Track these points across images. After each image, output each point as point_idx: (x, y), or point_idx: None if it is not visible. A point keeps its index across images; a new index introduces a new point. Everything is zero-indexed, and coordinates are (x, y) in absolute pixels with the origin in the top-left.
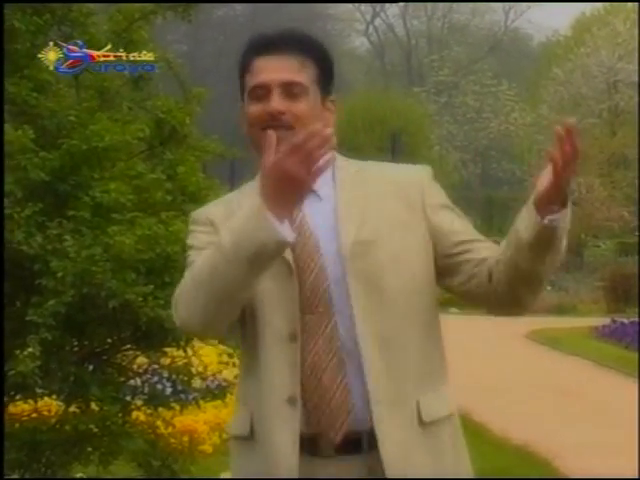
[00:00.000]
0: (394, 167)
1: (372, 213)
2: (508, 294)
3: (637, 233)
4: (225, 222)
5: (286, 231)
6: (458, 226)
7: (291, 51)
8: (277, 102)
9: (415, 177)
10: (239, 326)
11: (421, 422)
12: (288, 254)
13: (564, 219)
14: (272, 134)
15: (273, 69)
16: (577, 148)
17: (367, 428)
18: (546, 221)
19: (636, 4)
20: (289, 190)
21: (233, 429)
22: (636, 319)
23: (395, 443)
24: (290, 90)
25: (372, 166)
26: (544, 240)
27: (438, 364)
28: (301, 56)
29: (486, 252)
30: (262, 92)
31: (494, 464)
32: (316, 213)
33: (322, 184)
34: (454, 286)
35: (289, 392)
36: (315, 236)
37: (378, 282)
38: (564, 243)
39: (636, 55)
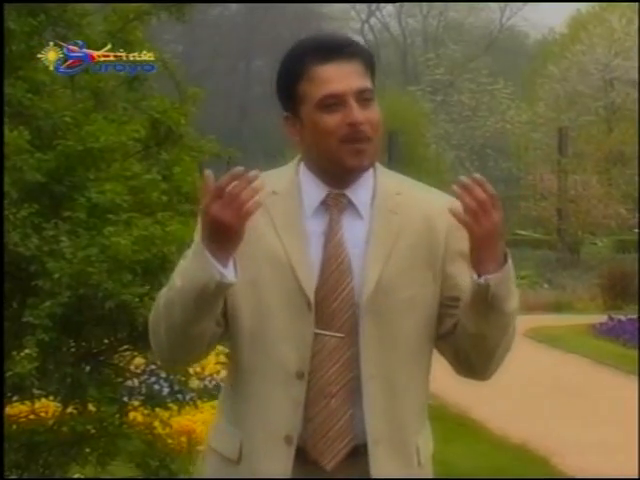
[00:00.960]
0: (428, 196)
1: (400, 251)
2: (461, 357)
3: (636, 230)
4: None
5: (227, 272)
6: (463, 282)
7: (353, 56)
8: (358, 112)
9: (447, 216)
10: (233, 346)
11: (419, 464)
12: (309, 290)
13: (502, 279)
14: (209, 175)
15: (343, 76)
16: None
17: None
18: (481, 280)
19: (631, 2)
20: (220, 234)
21: (216, 443)
22: (633, 316)
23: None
24: (363, 97)
25: (409, 189)
26: (481, 300)
27: (426, 404)
28: (362, 61)
29: None
30: (335, 102)
31: (492, 462)
32: (354, 232)
33: (364, 200)
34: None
35: (287, 431)
36: (349, 259)
37: (392, 324)
38: (511, 305)
39: (632, 52)
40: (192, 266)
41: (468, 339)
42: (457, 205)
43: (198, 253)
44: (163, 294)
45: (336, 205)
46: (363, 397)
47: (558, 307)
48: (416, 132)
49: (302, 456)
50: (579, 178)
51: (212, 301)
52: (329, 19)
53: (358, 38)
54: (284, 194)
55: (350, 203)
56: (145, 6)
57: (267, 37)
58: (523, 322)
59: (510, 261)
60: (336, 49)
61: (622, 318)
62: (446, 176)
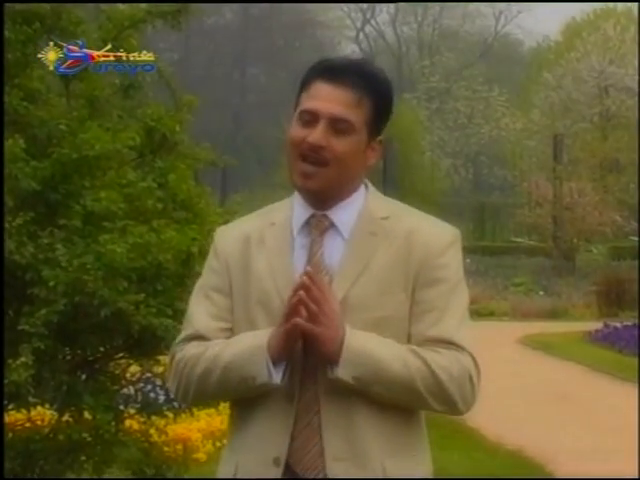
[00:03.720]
0: (418, 221)
1: (372, 272)
2: None
3: (632, 237)
4: (239, 263)
5: (276, 375)
6: (426, 313)
7: (352, 83)
8: (320, 135)
9: (428, 245)
10: None
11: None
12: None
13: (350, 368)
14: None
15: (327, 98)
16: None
17: None
18: (330, 374)
19: (626, 8)
20: (296, 340)
21: (219, 473)
22: (629, 323)
23: None
24: (337, 126)
25: (400, 213)
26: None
27: (414, 431)
28: (360, 91)
29: None
30: (309, 118)
31: (488, 469)
32: (334, 252)
33: (348, 222)
34: None
35: (276, 453)
36: (330, 277)
37: None
38: (379, 390)
39: (626, 59)
40: (245, 355)
41: None
42: (450, 234)
43: (256, 349)
44: (200, 358)
45: (317, 226)
46: (321, 413)
47: (553, 314)
48: (411, 140)
49: (289, 472)
50: (574, 185)
51: (250, 391)
52: (324, 27)
53: (353, 46)
54: (279, 224)
55: (332, 225)
56: (140, 14)
57: (262, 45)
58: (518, 329)
59: (355, 345)
60: (338, 71)
61: (617, 325)
62: (441, 184)
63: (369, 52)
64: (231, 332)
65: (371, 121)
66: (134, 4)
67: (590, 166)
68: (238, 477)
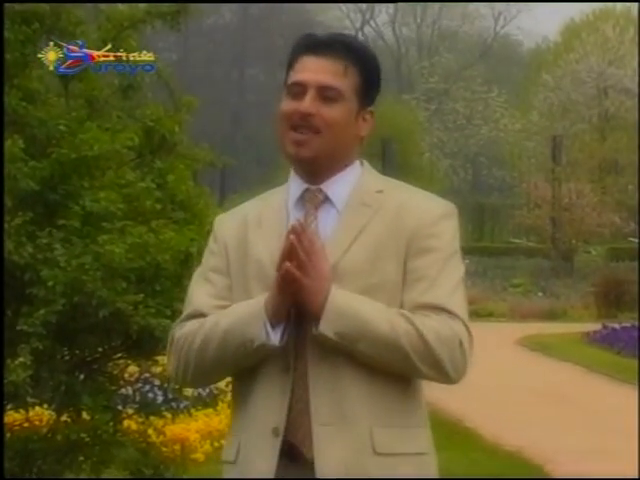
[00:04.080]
0: (411, 194)
1: (364, 242)
2: None
3: (631, 239)
4: (237, 245)
5: (274, 336)
6: (420, 281)
7: (337, 54)
8: (309, 103)
9: (420, 215)
10: None
11: (375, 452)
12: None
13: (333, 323)
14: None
15: (314, 69)
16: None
17: None
18: (314, 330)
19: (625, 9)
20: (290, 293)
21: (223, 455)
22: (628, 324)
23: (333, 460)
24: (325, 94)
25: (394, 188)
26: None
27: (409, 405)
28: (346, 61)
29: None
30: (298, 90)
31: (486, 470)
32: (328, 224)
33: (342, 198)
34: None
35: (274, 423)
36: (324, 249)
37: None
38: (363, 347)
39: (625, 60)
40: (243, 320)
41: None
42: (443, 206)
43: (254, 312)
44: (198, 330)
45: (311, 200)
46: (307, 379)
47: (552, 315)
48: (410, 140)
49: (286, 445)
50: (573, 186)
51: (248, 357)
52: (323, 27)
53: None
54: (276, 205)
55: (327, 198)
56: (139, 14)
57: (261, 46)
58: (516, 330)
59: (340, 301)
60: (322, 44)
61: (616, 326)
62: (440, 184)
63: None
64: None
65: (360, 90)
66: (133, 4)
67: (589, 167)
68: (241, 451)
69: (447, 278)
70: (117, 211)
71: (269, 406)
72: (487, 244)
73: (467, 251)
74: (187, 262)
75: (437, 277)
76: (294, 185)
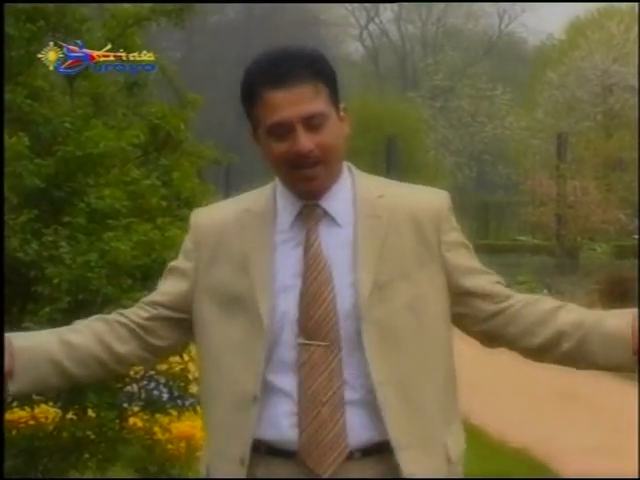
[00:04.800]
0: (412, 193)
1: (390, 252)
2: (498, 341)
3: (635, 236)
4: (213, 250)
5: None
6: (473, 272)
7: (302, 80)
8: (304, 140)
9: (431, 210)
10: (201, 369)
11: (450, 462)
12: (265, 313)
13: None
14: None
15: (291, 104)
16: None
17: (366, 446)
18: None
19: (630, 6)
20: None
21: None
22: None
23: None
24: (312, 123)
25: (392, 189)
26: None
27: (455, 397)
28: (313, 81)
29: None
30: (284, 130)
31: (492, 467)
32: (332, 240)
33: (341, 209)
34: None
35: (241, 453)
36: (329, 267)
37: (395, 328)
38: None
39: (630, 58)
40: None
41: (537, 351)
42: (446, 199)
43: None
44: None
45: (311, 216)
46: (379, 405)
47: None
48: (415, 138)
49: (300, 466)
50: (578, 184)
51: None
52: (328, 25)
53: (356, 44)
54: (259, 213)
55: (326, 213)
56: (144, 11)
57: (265, 43)
58: None
59: None
60: (283, 74)
61: None
62: (445, 182)
63: (373, 50)
64: (171, 311)
65: (331, 98)
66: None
67: (594, 164)
68: (210, 475)
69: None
70: (122, 208)
71: (235, 436)
72: (492, 241)
73: (472, 249)
74: None
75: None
76: (286, 200)
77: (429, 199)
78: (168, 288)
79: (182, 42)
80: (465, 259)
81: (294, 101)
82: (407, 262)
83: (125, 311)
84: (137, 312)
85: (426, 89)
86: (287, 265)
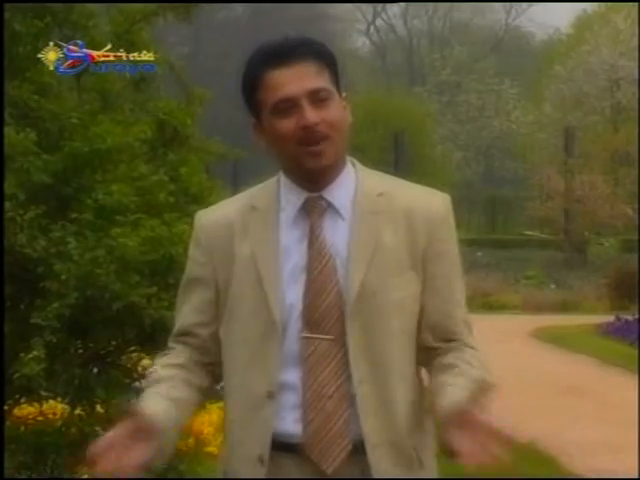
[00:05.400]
0: (412, 193)
1: (382, 253)
2: None
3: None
4: (223, 253)
5: None
6: (438, 291)
7: (305, 58)
8: (310, 114)
9: (427, 213)
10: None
11: (421, 465)
12: (276, 308)
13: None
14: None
15: (295, 79)
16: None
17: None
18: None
19: (636, 2)
20: None
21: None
22: None
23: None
24: (317, 98)
25: (393, 188)
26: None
27: (421, 399)
28: (315, 61)
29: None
30: (288, 105)
31: (499, 462)
32: (337, 234)
33: (345, 201)
34: None
35: (260, 450)
36: (333, 260)
37: (380, 327)
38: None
39: (637, 52)
40: None
41: None
42: (444, 201)
43: None
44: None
45: (315, 209)
46: (356, 401)
47: (565, 307)
48: (422, 133)
49: (303, 459)
50: (585, 178)
51: None
52: (335, 20)
53: (363, 39)
54: (263, 209)
55: (330, 205)
56: (151, 7)
57: (273, 38)
58: (530, 322)
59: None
60: (286, 53)
61: (629, 318)
62: (452, 177)
63: (380, 45)
64: (213, 325)
65: (334, 81)
66: None
67: (601, 159)
68: (228, 475)
69: (459, 280)
70: (130, 204)
71: (252, 433)
72: (500, 236)
73: (480, 243)
74: None
75: (454, 281)
76: (290, 195)
77: (428, 201)
78: (197, 304)
79: (189, 37)
80: (438, 278)
81: (298, 77)
82: (399, 263)
83: (178, 347)
84: (189, 341)
85: (433, 84)
86: (292, 259)
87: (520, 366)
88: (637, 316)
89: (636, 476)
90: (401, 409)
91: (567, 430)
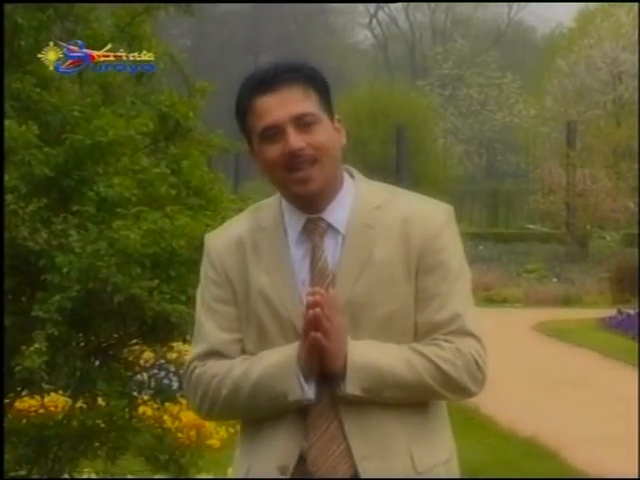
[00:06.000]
0: (410, 206)
1: (374, 267)
2: None
3: None
4: (239, 276)
5: (309, 392)
6: (429, 301)
7: (291, 83)
8: (294, 139)
9: (423, 225)
10: None
11: (416, 471)
12: (298, 321)
13: (357, 382)
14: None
15: (279, 105)
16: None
17: None
18: (339, 391)
19: None
20: (316, 355)
21: (232, 470)
22: None
23: None
24: (302, 122)
25: (392, 200)
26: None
27: (433, 412)
28: (301, 85)
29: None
30: (274, 132)
31: (501, 456)
32: (334, 249)
33: (340, 216)
34: None
35: (283, 461)
36: (334, 280)
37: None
38: (392, 394)
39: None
40: (277, 374)
41: None
42: (443, 214)
43: (285, 364)
44: (227, 375)
45: (315, 230)
46: (340, 416)
47: (567, 301)
48: (424, 126)
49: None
50: (587, 172)
51: (280, 408)
52: (337, 14)
53: (365, 33)
54: (270, 229)
55: (330, 226)
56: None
57: (274, 31)
58: (532, 316)
59: (359, 360)
60: (272, 79)
61: (631, 312)
62: (454, 170)
63: (382, 38)
64: (242, 341)
65: (323, 105)
66: None
67: (603, 153)
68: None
69: (458, 292)
70: (132, 197)
71: (278, 443)
72: (501, 230)
73: (482, 237)
74: (202, 248)
75: (448, 293)
76: (292, 216)
77: (426, 212)
78: (225, 323)
79: (192, 30)
80: (429, 291)
81: (283, 103)
82: (391, 276)
83: (209, 363)
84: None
85: (435, 77)
86: (299, 277)
87: (521, 360)
88: (639, 310)
89: (636, 469)
90: (392, 420)
91: (568, 424)
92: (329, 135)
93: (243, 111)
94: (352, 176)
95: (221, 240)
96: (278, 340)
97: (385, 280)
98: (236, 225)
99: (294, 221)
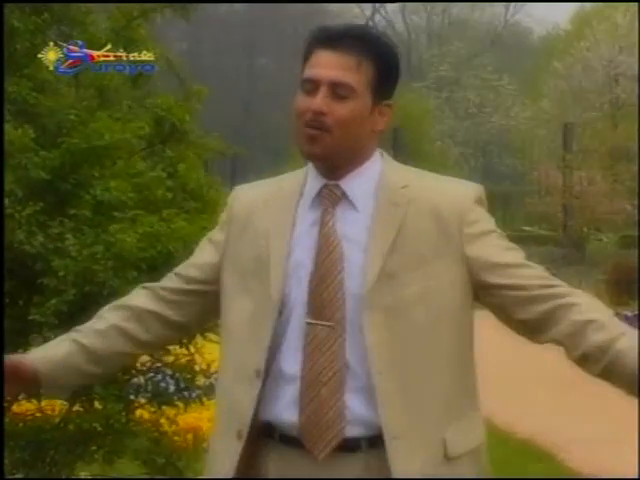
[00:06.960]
0: (438, 186)
1: (404, 241)
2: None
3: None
4: (242, 221)
5: None
6: (494, 262)
7: (350, 48)
8: (321, 102)
9: (457, 203)
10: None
11: (446, 457)
12: (275, 291)
13: None
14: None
15: (327, 65)
16: None
17: (366, 435)
18: None
19: None
20: None
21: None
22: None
23: (413, 475)
24: (337, 90)
25: (419, 181)
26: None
27: (469, 391)
28: (360, 55)
29: (532, 281)
30: (311, 87)
31: (498, 457)
32: (348, 223)
33: (362, 195)
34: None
35: (239, 426)
36: (340, 248)
37: (401, 317)
38: None
39: (636, 48)
40: None
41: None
42: (474, 190)
43: None
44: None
45: (329, 196)
46: (376, 393)
47: None
48: (421, 129)
49: (297, 446)
50: (584, 174)
51: None
52: (334, 16)
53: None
54: (288, 191)
55: (344, 195)
56: (149, 4)
57: (271, 34)
58: None
59: None
60: (334, 37)
61: (628, 314)
62: (451, 173)
63: None
64: (201, 286)
65: (375, 84)
66: None
67: (600, 155)
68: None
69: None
70: (128, 200)
71: (237, 409)
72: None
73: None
74: None
75: (501, 244)
76: (312, 180)
77: (454, 191)
78: (201, 260)
79: (188, 33)
80: (490, 251)
81: (330, 64)
82: (423, 253)
83: (152, 285)
84: (166, 285)
85: (431, 80)
86: (303, 244)
87: (518, 361)
88: (636, 312)
89: (636, 472)
90: (428, 401)
91: (567, 426)
92: (357, 113)
93: (305, 55)
94: (382, 155)
95: (244, 191)
96: (250, 315)
97: (416, 258)
98: (262, 185)
99: (312, 187)
